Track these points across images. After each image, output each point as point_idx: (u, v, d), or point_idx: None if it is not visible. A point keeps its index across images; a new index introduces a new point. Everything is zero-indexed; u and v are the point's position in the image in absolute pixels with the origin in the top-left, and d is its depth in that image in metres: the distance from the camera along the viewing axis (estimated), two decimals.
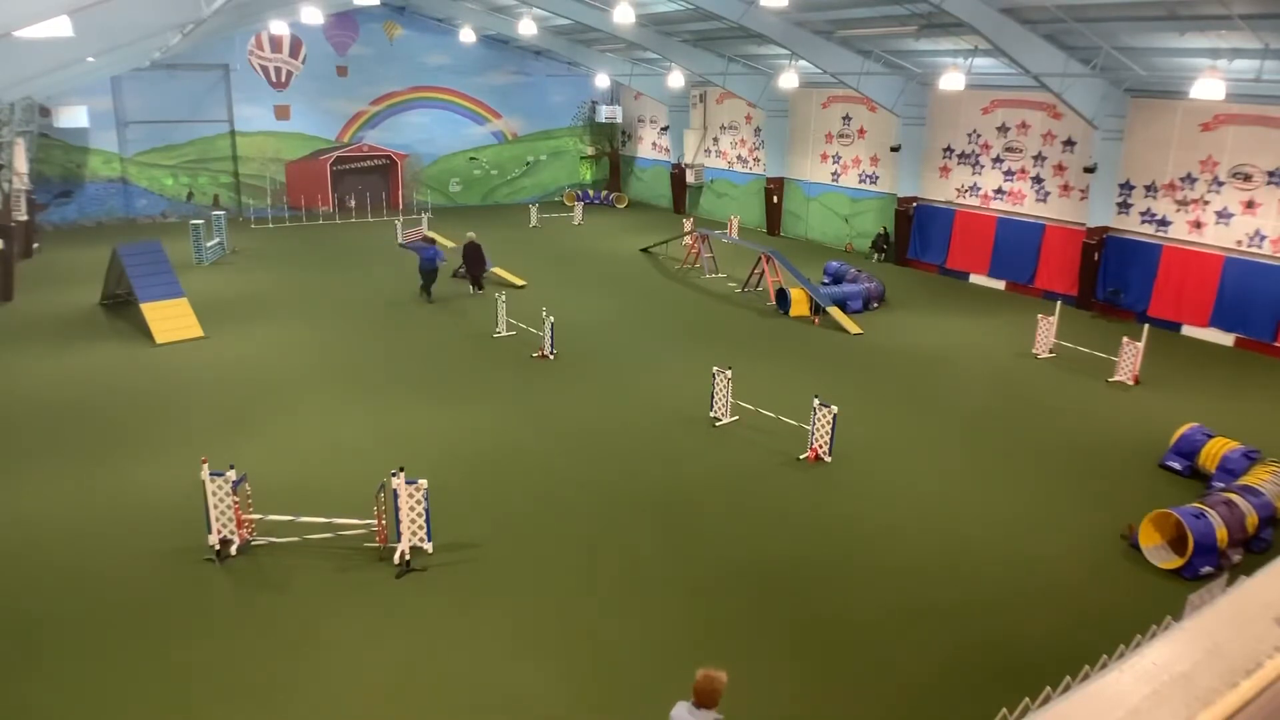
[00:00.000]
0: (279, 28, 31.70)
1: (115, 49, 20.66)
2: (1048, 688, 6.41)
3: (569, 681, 8.02)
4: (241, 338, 18.34)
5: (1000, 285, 24.46)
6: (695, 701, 5.74)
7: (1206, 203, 19.67)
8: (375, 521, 10.00)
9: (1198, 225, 19.92)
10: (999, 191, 24.53)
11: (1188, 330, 20.12)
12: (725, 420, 14.07)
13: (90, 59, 20.61)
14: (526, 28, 27.98)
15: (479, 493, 11.61)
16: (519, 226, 32.22)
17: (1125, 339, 16.45)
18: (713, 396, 14.22)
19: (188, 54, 30.38)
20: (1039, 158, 23.38)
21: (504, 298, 19.22)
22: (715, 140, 35.14)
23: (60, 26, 10.18)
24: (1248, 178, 18.88)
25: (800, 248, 29.05)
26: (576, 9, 27.03)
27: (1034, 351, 18.06)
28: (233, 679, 7.92)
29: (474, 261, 22.64)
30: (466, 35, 33.53)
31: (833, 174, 29.89)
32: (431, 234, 28.91)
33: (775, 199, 31.62)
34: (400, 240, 28.69)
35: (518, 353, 17.67)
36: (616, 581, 9.65)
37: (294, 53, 33.90)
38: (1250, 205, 18.93)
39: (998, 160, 24.42)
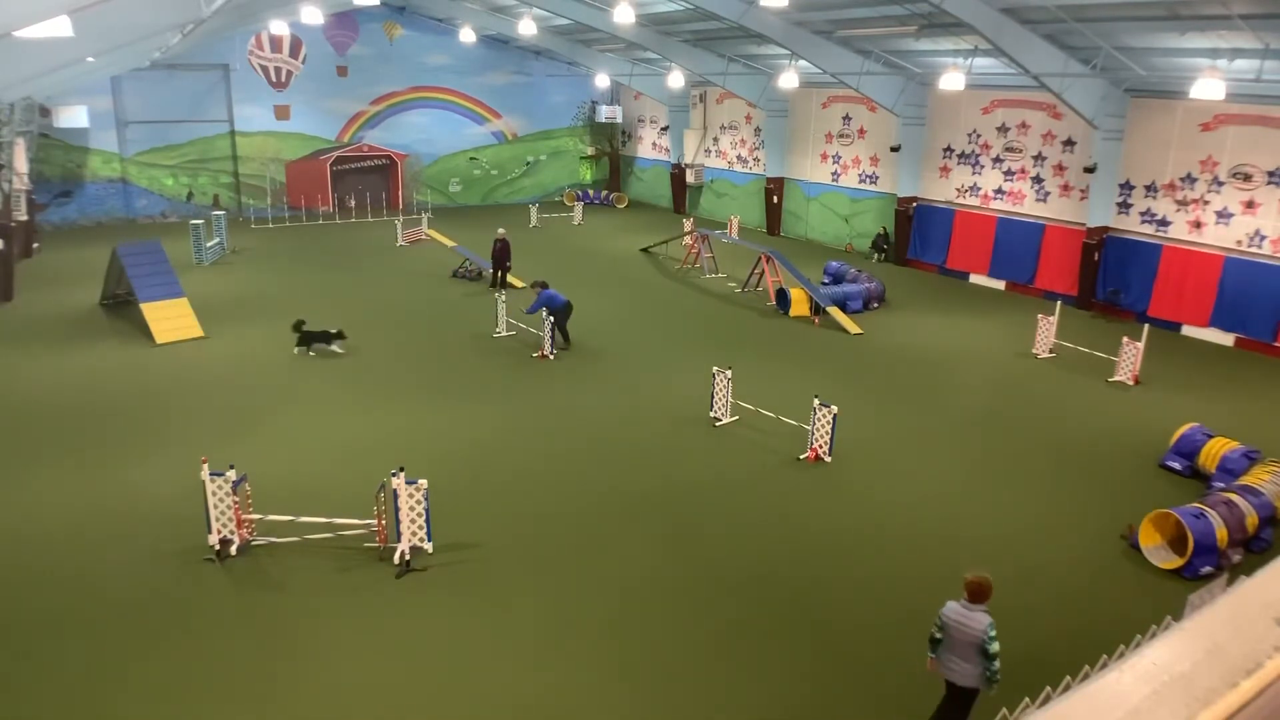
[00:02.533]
0: (279, 28, 31.69)
1: (115, 49, 20.67)
2: (1048, 688, 6.42)
3: (569, 682, 8.01)
4: (241, 338, 18.34)
5: (1000, 285, 24.46)
6: (968, 598, 6.80)
7: (1206, 203, 19.68)
8: (375, 521, 10.00)
9: (1198, 225, 19.92)
10: (999, 191, 24.53)
11: (1188, 330, 20.12)
12: (725, 420, 14.07)
13: (90, 59, 20.62)
14: (526, 28, 27.96)
15: (479, 493, 11.61)
16: (519, 226, 32.18)
17: (1125, 339, 16.45)
18: (713, 396, 14.22)
19: (188, 54, 30.39)
20: (1039, 158, 23.38)
21: (504, 298, 19.24)
22: (715, 140, 35.14)
23: (60, 26, 10.17)
24: (1248, 178, 18.88)
25: (800, 248, 29.06)
26: (576, 9, 27.04)
27: (1034, 351, 18.07)
28: (232, 679, 7.92)
29: (502, 258, 22.69)
30: (466, 35, 33.52)
31: (833, 174, 29.89)
32: (431, 232, 28.93)
33: (775, 199, 31.62)
34: (400, 240, 28.70)
35: (518, 353, 17.68)
36: (616, 581, 9.65)
37: (294, 53, 33.90)
38: (1250, 205, 18.93)
39: (998, 160, 24.42)
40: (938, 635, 6.99)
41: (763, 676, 8.12)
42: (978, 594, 6.79)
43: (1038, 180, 23.49)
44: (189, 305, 18.64)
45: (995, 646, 6.65)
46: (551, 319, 17.46)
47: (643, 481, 12.09)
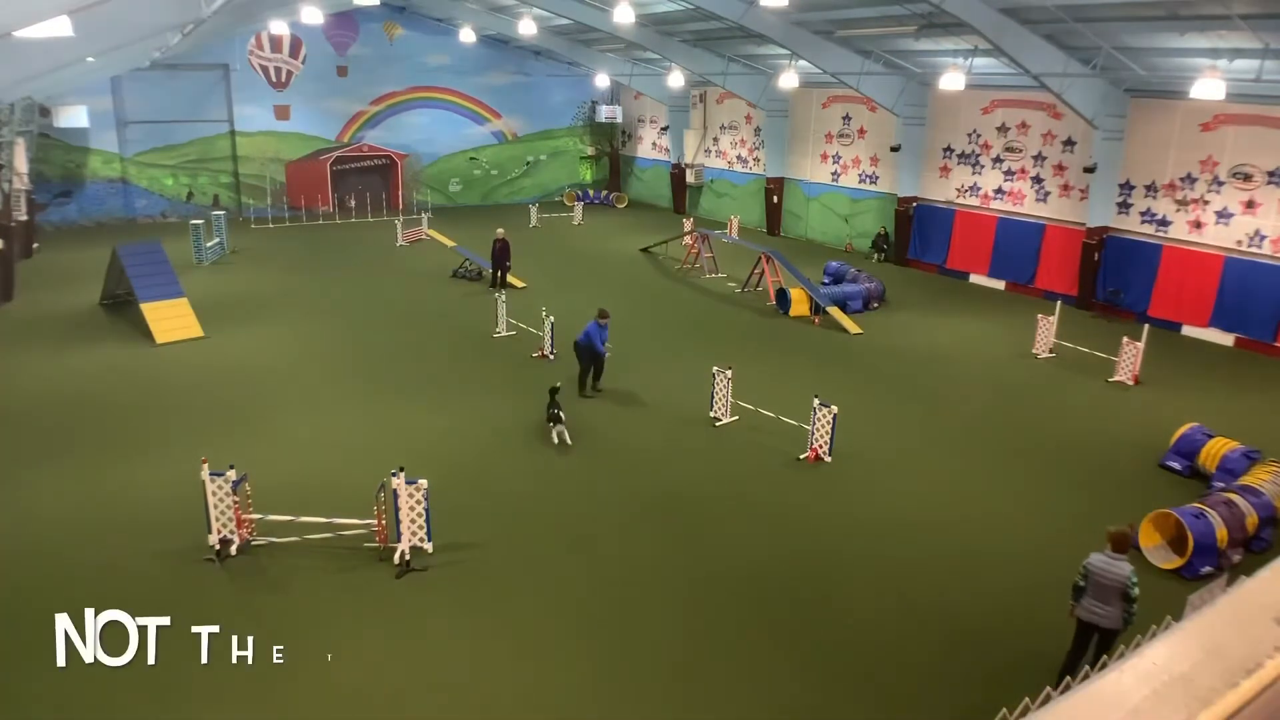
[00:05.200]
0: (279, 28, 31.67)
1: (115, 49, 20.68)
2: (1048, 688, 6.41)
3: (570, 682, 8.02)
4: (241, 338, 18.33)
5: (1000, 285, 24.45)
6: (1111, 548, 7.56)
7: (1206, 203, 19.67)
8: (375, 521, 10.00)
9: (1198, 225, 19.91)
10: (999, 191, 24.52)
11: (1188, 330, 20.11)
12: (725, 420, 14.07)
13: (90, 59, 20.63)
14: (526, 28, 27.97)
15: (479, 493, 11.61)
16: (519, 226, 32.16)
17: (1125, 339, 16.44)
18: (713, 396, 14.22)
19: (188, 54, 30.36)
20: (1039, 158, 23.38)
21: (504, 298, 19.24)
22: (715, 140, 35.14)
23: (60, 26, 10.18)
24: (1248, 178, 18.88)
25: (800, 248, 29.04)
26: (576, 9, 27.03)
27: (1034, 351, 18.06)
28: (232, 679, 7.91)
29: (501, 258, 22.69)
30: (466, 35, 33.53)
31: (833, 174, 29.88)
32: (432, 231, 28.92)
33: (775, 199, 31.62)
34: (400, 240, 28.69)
35: (518, 353, 17.67)
36: (616, 581, 9.65)
37: (294, 53, 33.90)
38: (1250, 205, 18.92)
39: (998, 160, 24.41)
40: (1081, 584, 7.67)
41: (763, 675, 8.12)
42: (1121, 544, 7.57)
43: (1038, 180, 23.49)
44: (189, 305, 18.63)
45: (1136, 591, 7.41)
46: (584, 351, 15.32)
47: (643, 481, 12.09)
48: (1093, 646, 7.71)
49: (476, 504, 11.25)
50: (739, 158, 34.06)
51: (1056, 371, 17.16)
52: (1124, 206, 21.37)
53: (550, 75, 38.63)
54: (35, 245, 26.27)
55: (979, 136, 24.78)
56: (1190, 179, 19.92)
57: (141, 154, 32.21)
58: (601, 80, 37.39)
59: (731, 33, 26.02)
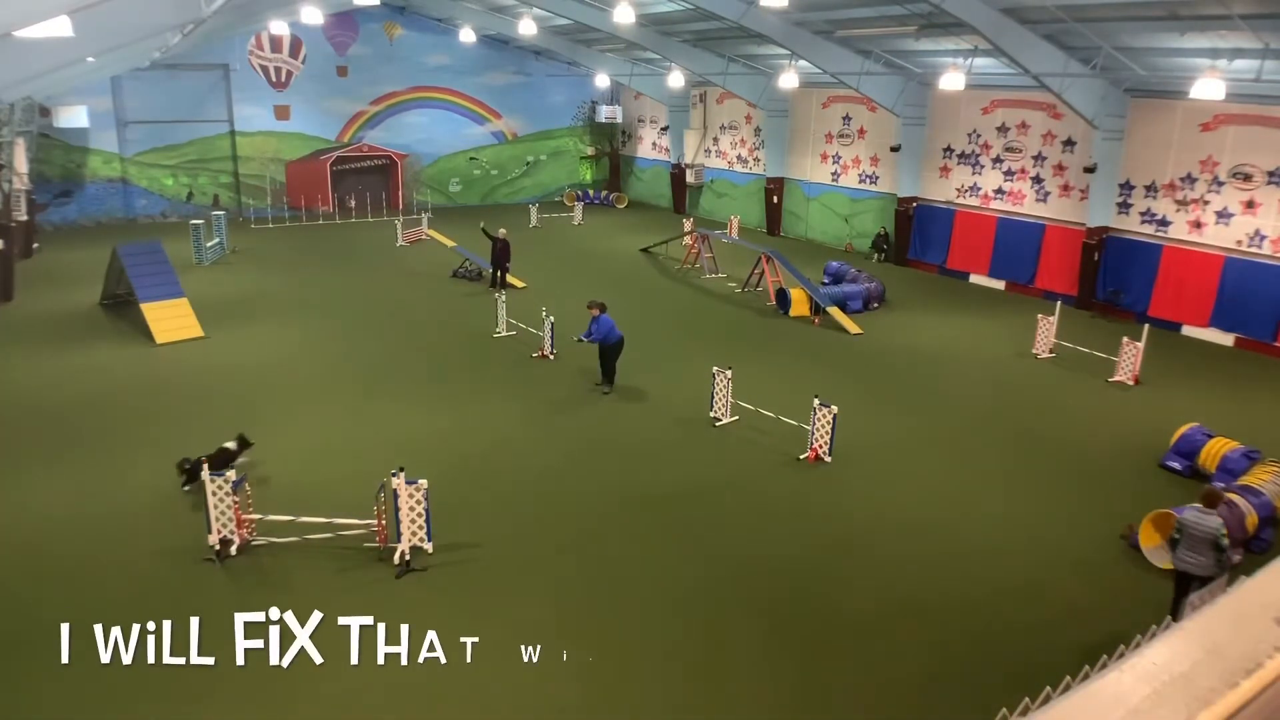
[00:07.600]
0: (279, 28, 31.66)
1: (115, 49, 20.67)
2: (1048, 688, 6.41)
3: (569, 681, 8.01)
4: (241, 338, 18.33)
5: (1000, 285, 24.45)
6: (1203, 505, 8.52)
7: (1206, 203, 19.67)
8: (375, 521, 10.00)
9: (1198, 225, 19.91)
10: (999, 191, 24.52)
11: (1188, 330, 20.11)
12: (725, 420, 14.07)
13: (90, 59, 20.62)
14: (526, 28, 27.98)
15: (479, 493, 11.61)
16: (519, 226, 32.16)
17: (1125, 339, 16.44)
18: (713, 396, 14.22)
19: (188, 54, 30.35)
20: (1039, 158, 23.38)
21: (504, 298, 19.24)
22: (715, 140, 35.14)
23: (60, 26, 10.19)
24: (1248, 178, 18.88)
25: (800, 248, 29.04)
26: (576, 9, 27.03)
27: (1034, 351, 18.06)
28: (231, 679, 7.90)
29: (501, 259, 22.70)
30: (466, 35, 33.52)
31: (833, 174, 29.88)
32: (432, 231, 28.92)
33: (775, 199, 31.62)
34: (400, 240, 28.69)
35: (518, 353, 17.68)
36: (617, 581, 9.65)
37: (294, 53, 33.90)
38: (1250, 205, 18.93)
39: (998, 160, 24.41)
40: (1176, 537, 8.59)
41: (764, 675, 8.12)
42: (1211, 501, 8.54)
43: (1038, 180, 23.49)
44: (189, 305, 18.62)
45: (1226, 541, 8.38)
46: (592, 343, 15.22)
47: (643, 481, 12.08)
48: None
49: (477, 504, 11.25)
50: (739, 158, 34.06)
51: (1056, 372, 17.16)
52: (1124, 206, 21.37)
53: (550, 75, 38.62)
54: (35, 245, 26.26)
55: (979, 137, 24.78)
56: (1190, 179, 19.92)
57: (141, 154, 32.20)
58: (601, 80, 37.39)
59: (731, 33, 26.02)
